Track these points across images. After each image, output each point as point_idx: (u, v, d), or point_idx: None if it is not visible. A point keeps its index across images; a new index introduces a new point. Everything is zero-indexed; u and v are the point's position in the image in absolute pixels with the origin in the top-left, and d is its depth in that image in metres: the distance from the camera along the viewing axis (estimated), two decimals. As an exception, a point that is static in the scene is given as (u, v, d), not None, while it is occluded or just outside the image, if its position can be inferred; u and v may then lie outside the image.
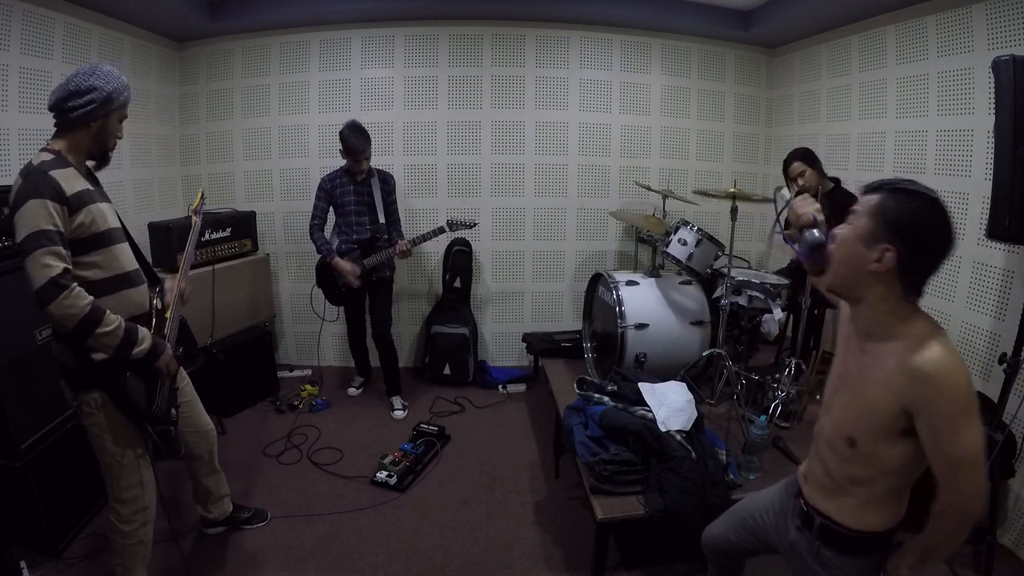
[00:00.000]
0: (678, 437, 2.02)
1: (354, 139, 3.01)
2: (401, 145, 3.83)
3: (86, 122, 1.57)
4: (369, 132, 3.10)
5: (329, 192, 3.19)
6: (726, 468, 2.05)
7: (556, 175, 3.91)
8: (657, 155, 3.97)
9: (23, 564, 1.92)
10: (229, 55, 3.78)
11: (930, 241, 1.06)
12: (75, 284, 1.46)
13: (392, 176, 3.31)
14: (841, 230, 1.15)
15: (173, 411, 1.80)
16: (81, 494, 2.27)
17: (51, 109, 1.56)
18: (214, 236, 3.27)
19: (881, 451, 1.12)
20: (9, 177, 2.50)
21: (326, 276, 3.27)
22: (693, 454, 1.98)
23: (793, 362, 2.54)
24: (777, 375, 2.57)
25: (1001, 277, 2.32)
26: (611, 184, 3.96)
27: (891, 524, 1.19)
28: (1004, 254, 2.30)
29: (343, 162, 3.19)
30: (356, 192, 3.17)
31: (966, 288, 2.47)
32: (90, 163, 1.67)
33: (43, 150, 1.56)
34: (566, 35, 3.76)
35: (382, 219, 3.20)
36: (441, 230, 3.13)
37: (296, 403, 3.44)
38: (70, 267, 1.47)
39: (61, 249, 1.45)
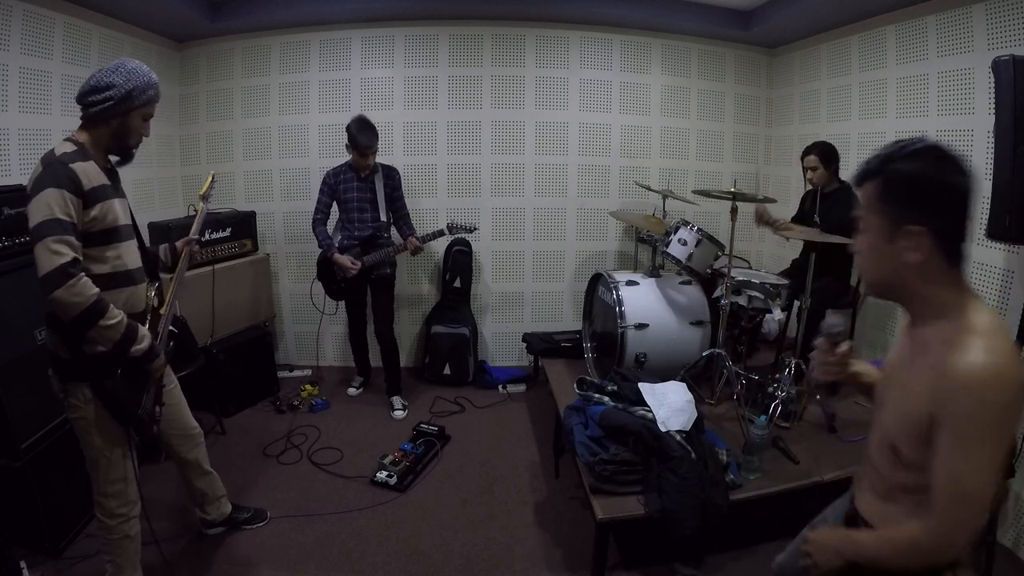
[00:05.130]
0: (678, 437, 2.02)
1: (361, 134, 3.01)
2: (401, 145, 3.83)
3: (105, 119, 1.58)
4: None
5: (332, 187, 3.19)
6: (726, 468, 2.06)
7: (556, 175, 3.91)
8: (657, 155, 3.97)
9: (23, 564, 1.92)
10: (229, 55, 3.78)
11: (953, 195, 0.92)
12: (83, 274, 1.47)
13: (397, 171, 3.31)
14: (859, 241, 1.03)
15: (158, 409, 1.80)
16: (81, 494, 2.25)
17: (76, 101, 1.58)
18: (214, 236, 3.26)
19: (927, 461, 0.94)
20: (9, 177, 2.50)
21: (326, 270, 3.28)
22: (693, 454, 1.98)
23: (793, 362, 2.54)
24: (777, 375, 2.57)
25: (1001, 277, 2.32)
26: (611, 184, 3.96)
27: None
28: (1004, 254, 2.29)
29: (343, 162, 3.21)
30: (359, 188, 3.17)
31: (966, 288, 2.47)
32: (113, 159, 1.69)
33: (67, 139, 1.57)
34: (566, 35, 3.76)
35: (384, 215, 3.20)
36: (441, 233, 3.14)
37: (296, 403, 3.43)
38: (80, 257, 1.49)
39: (72, 239, 1.46)
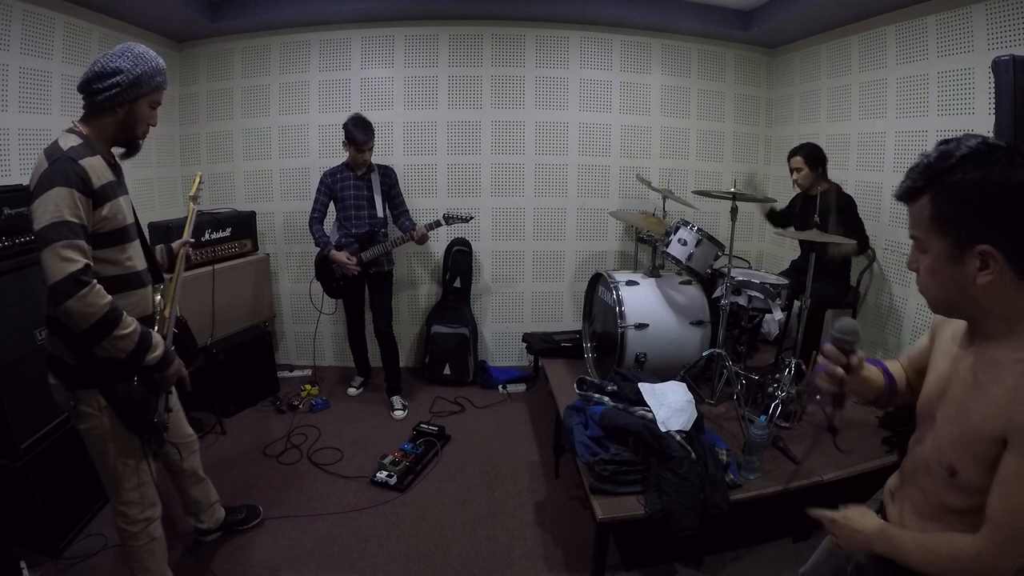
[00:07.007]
0: (678, 437, 2.02)
1: (358, 130, 3.05)
2: (401, 145, 3.82)
3: (112, 107, 1.46)
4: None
5: (330, 186, 3.22)
6: (726, 468, 2.05)
7: (556, 175, 3.91)
8: (657, 155, 3.97)
9: (23, 564, 1.92)
10: (229, 55, 3.78)
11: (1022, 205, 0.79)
12: (95, 281, 1.37)
13: (393, 169, 3.35)
14: (918, 261, 0.93)
15: (166, 415, 1.72)
16: (81, 494, 2.27)
17: (79, 90, 1.47)
18: (214, 236, 3.26)
19: (985, 484, 0.87)
20: (9, 177, 2.51)
21: (324, 269, 3.29)
22: (693, 454, 1.98)
23: (793, 362, 2.54)
24: (777, 375, 2.57)
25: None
26: (611, 184, 3.96)
27: None
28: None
29: (340, 162, 3.22)
30: (356, 186, 3.20)
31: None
32: (117, 151, 1.59)
33: (69, 131, 1.46)
34: (566, 35, 3.76)
35: (381, 213, 3.24)
36: (438, 223, 3.19)
37: (296, 403, 3.44)
38: (91, 263, 1.38)
39: (83, 243, 1.36)
